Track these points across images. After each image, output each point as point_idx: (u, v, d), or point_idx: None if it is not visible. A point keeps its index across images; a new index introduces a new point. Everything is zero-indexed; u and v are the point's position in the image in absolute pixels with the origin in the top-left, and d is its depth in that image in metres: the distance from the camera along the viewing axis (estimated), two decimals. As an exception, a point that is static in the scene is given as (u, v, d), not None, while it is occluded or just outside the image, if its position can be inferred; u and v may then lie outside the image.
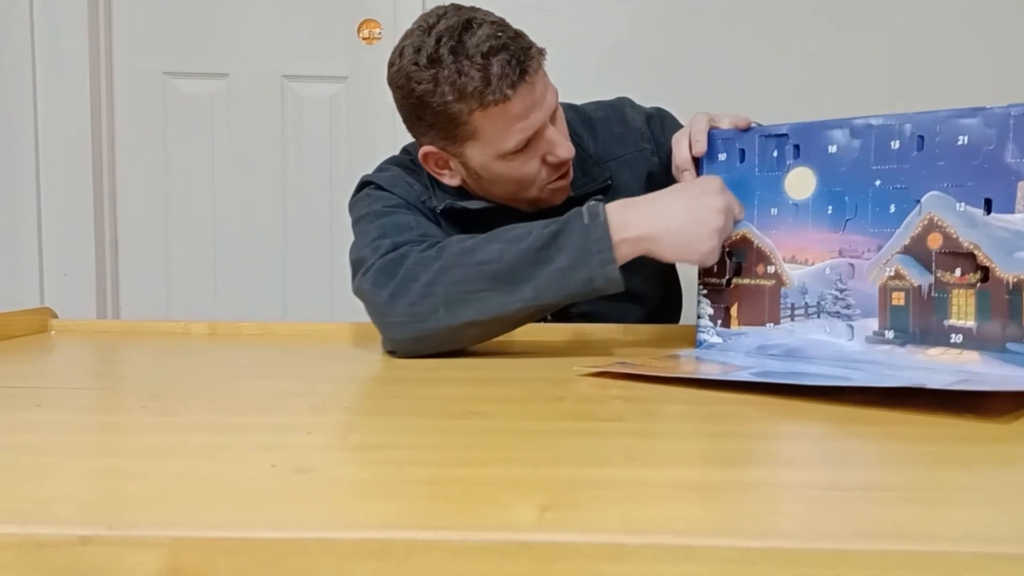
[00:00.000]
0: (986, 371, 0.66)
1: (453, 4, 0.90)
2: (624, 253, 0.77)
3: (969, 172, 0.68)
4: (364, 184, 0.99)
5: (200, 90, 1.85)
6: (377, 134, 1.79)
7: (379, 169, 1.03)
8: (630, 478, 0.40)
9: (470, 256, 0.78)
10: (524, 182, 0.93)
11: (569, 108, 1.03)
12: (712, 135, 0.84)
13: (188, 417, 0.56)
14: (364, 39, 1.81)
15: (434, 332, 0.79)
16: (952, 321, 0.69)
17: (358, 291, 0.85)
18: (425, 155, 0.95)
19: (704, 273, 0.85)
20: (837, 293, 0.76)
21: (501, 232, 0.80)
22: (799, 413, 0.56)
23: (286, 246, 1.88)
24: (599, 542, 0.30)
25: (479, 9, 0.88)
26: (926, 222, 0.70)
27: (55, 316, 1.05)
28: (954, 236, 0.68)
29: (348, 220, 0.97)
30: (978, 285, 0.67)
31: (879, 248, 0.73)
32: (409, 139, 1.07)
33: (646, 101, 1.12)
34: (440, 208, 0.96)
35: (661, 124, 1.05)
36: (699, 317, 0.85)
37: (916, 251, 0.71)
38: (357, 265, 0.87)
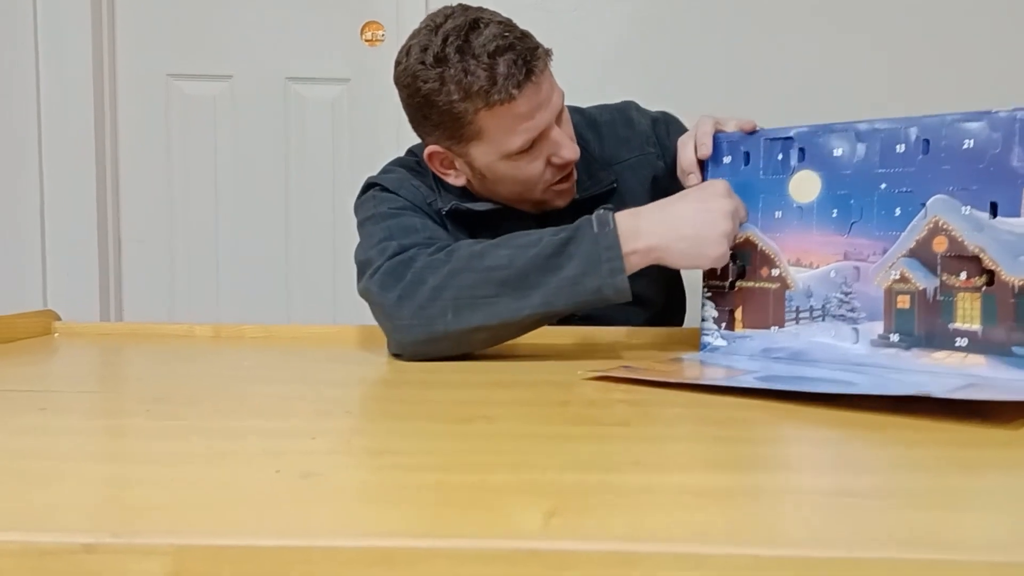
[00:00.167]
0: (992, 375, 0.65)
1: (460, 4, 0.90)
2: (633, 263, 0.77)
3: (975, 176, 0.67)
4: (369, 186, 0.99)
5: (203, 92, 1.85)
6: (380, 136, 1.78)
7: (384, 171, 1.03)
8: (636, 483, 0.40)
9: (479, 261, 0.78)
10: (529, 183, 0.93)
11: (575, 111, 1.03)
12: (717, 138, 0.84)
13: (192, 421, 0.56)
14: (367, 41, 1.81)
15: (442, 336, 0.79)
16: (958, 325, 0.68)
17: (365, 292, 0.85)
18: (430, 155, 0.95)
19: (708, 276, 0.85)
20: (842, 296, 0.75)
21: (510, 238, 0.80)
22: (805, 417, 0.55)
23: (289, 247, 1.88)
24: (607, 550, 0.30)
25: (486, 9, 0.89)
26: (931, 225, 0.70)
27: (58, 318, 1.05)
28: (960, 239, 0.68)
29: (351, 221, 0.97)
30: (984, 289, 0.67)
31: (884, 251, 0.73)
32: (413, 141, 1.07)
33: (648, 102, 1.12)
34: (446, 210, 0.96)
35: (667, 128, 1.05)
36: (703, 320, 0.85)
37: (921, 254, 0.70)
38: (363, 267, 0.87)
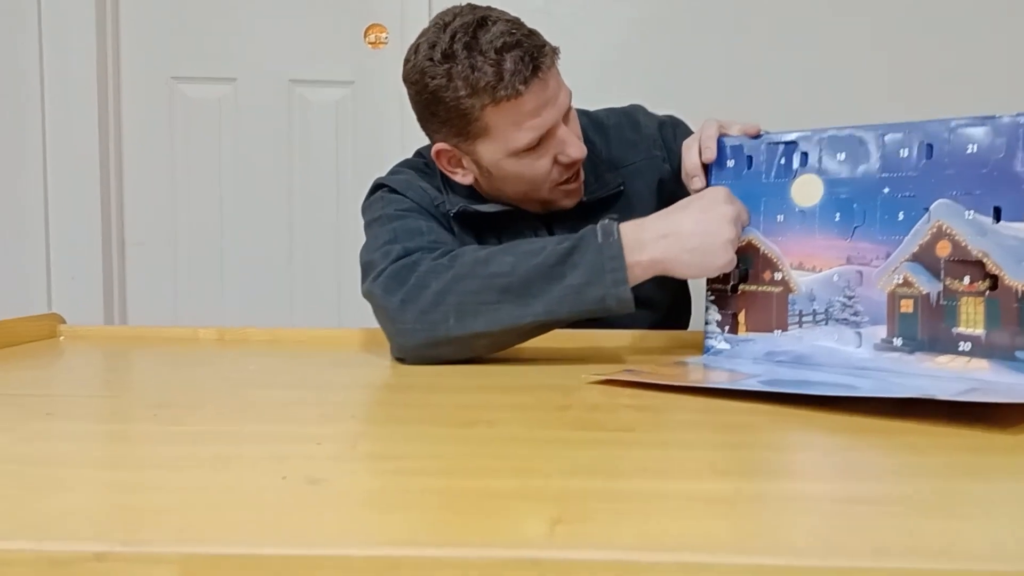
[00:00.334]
0: (995, 379, 0.66)
1: (469, 4, 0.91)
2: (636, 274, 0.77)
3: (978, 180, 0.67)
4: (377, 187, 0.99)
5: (207, 95, 1.86)
6: (384, 138, 1.79)
7: (392, 172, 1.03)
8: (641, 490, 0.40)
9: (483, 267, 0.79)
10: (535, 182, 0.93)
11: (582, 114, 1.03)
12: (721, 142, 0.84)
13: (198, 426, 0.56)
14: (370, 44, 1.82)
15: (444, 340, 0.79)
16: (961, 329, 0.68)
17: (368, 295, 0.85)
18: (438, 153, 0.95)
19: (711, 279, 0.85)
20: (845, 300, 0.75)
21: (515, 245, 0.80)
22: (809, 422, 0.56)
23: (293, 250, 1.88)
24: (613, 559, 0.30)
25: (494, 8, 0.90)
26: (935, 230, 0.70)
27: (63, 322, 1.05)
28: (963, 244, 0.68)
29: (355, 224, 0.98)
30: (987, 293, 0.67)
31: (887, 255, 0.73)
32: (416, 143, 1.08)
33: (650, 104, 1.12)
34: (453, 212, 0.96)
35: (673, 131, 1.05)
36: (707, 323, 0.85)
37: (925, 259, 0.71)
38: (367, 268, 0.87)
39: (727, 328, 0.84)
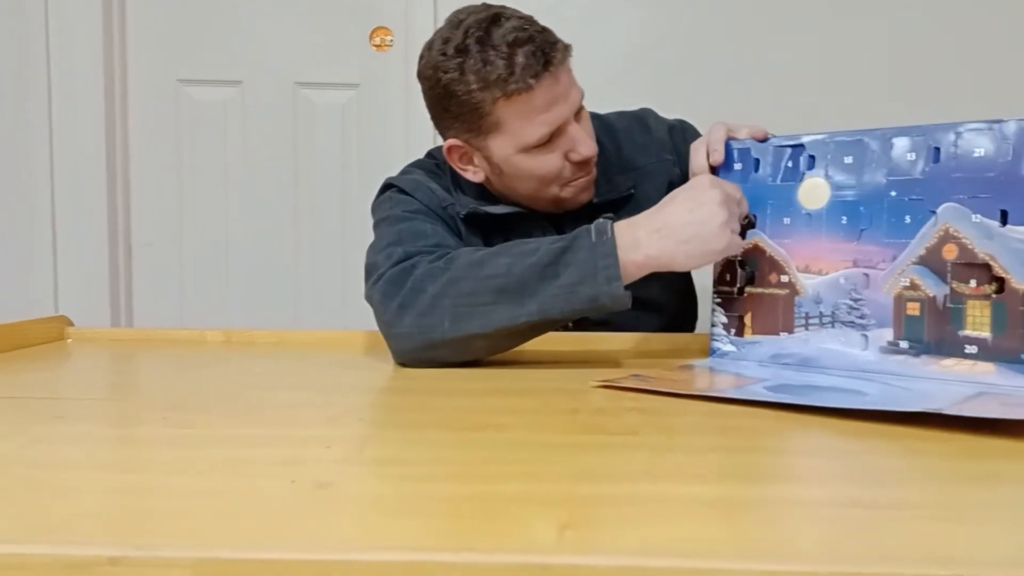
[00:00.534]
0: (1001, 382, 0.66)
1: (484, 3, 0.92)
2: (631, 272, 0.77)
3: (985, 184, 0.67)
4: (387, 187, 1.00)
5: (213, 97, 1.86)
6: (389, 141, 1.79)
7: (403, 172, 1.04)
8: (648, 495, 0.41)
9: (478, 269, 0.79)
10: (546, 179, 0.93)
11: (593, 117, 1.04)
12: (728, 145, 0.84)
13: (207, 430, 0.56)
14: (376, 46, 1.82)
15: (440, 343, 0.79)
16: (967, 332, 0.68)
17: (368, 299, 0.86)
18: (449, 149, 0.96)
19: (717, 282, 0.85)
20: (851, 303, 0.76)
21: (510, 246, 0.81)
22: (814, 427, 0.56)
23: (298, 252, 1.88)
24: (622, 564, 0.31)
25: (508, 7, 0.91)
26: (942, 233, 0.70)
27: (71, 324, 1.06)
28: (970, 247, 0.68)
29: (360, 225, 0.99)
30: (993, 296, 0.67)
31: (894, 258, 0.73)
32: (421, 146, 1.08)
33: (658, 108, 1.12)
34: (463, 214, 0.97)
35: (684, 135, 1.06)
36: (713, 326, 0.86)
37: (931, 262, 0.71)
38: (370, 271, 0.88)
39: (733, 330, 0.84)
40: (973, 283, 0.68)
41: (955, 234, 0.69)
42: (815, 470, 0.48)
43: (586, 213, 0.99)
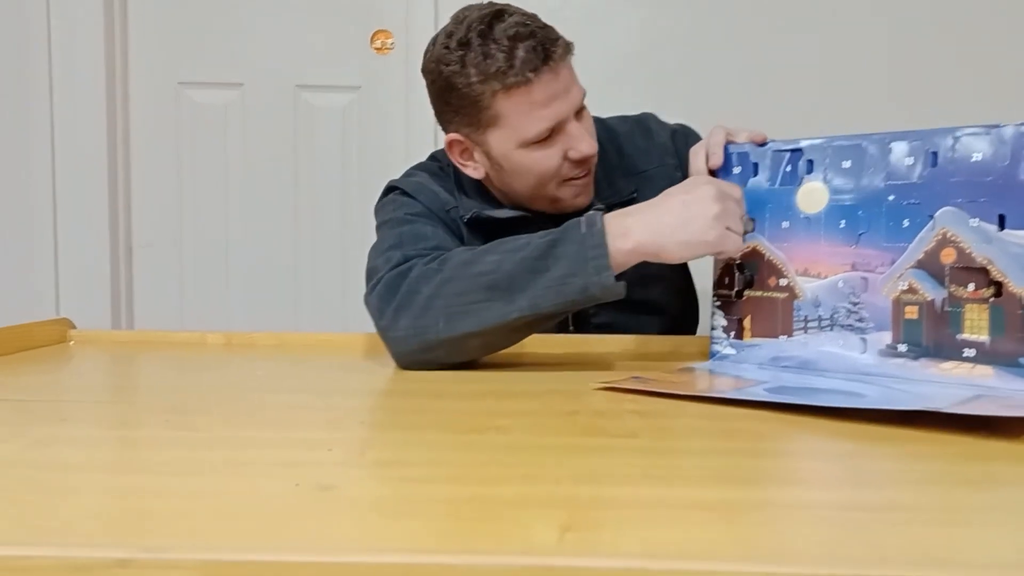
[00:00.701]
0: (999, 385, 0.66)
1: (489, 0, 0.93)
2: (621, 261, 0.76)
3: (983, 188, 0.68)
4: (390, 189, 1.01)
5: (214, 99, 1.87)
6: (389, 144, 1.80)
7: (407, 174, 1.05)
8: (648, 496, 0.41)
9: (469, 268, 0.79)
10: (544, 177, 0.94)
11: (595, 121, 1.04)
12: (727, 149, 0.85)
13: (210, 432, 0.57)
14: (377, 49, 1.82)
15: (435, 344, 0.79)
16: (965, 335, 0.69)
17: (367, 304, 0.86)
18: (450, 144, 0.97)
19: (716, 285, 0.86)
20: (850, 306, 0.76)
21: (501, 243, 0.81)
22: (814, 430, 0.56)
23: (299, 254, 1.89)
24: (622, 567, 0.31)
25: (512, 5, 0.92)
26: (940, 237, 0.70)
27: (73, 327, 1.06)
28: (968, 251, 0.69)
29: (360, 228, 0.99)
30: (991, 300, 0.67)
31: (892, 262, 0.73)
32: (422, 149, 1.08)
33: (659, 110, 1.13)
34: (467, 217, 0.97)
35: (685, 140, 1.06)
36: (713, 328, 0.86)
37: (929, 266, 0.71)
38: (370, 274, 0.88)
39: (733, 333, 0.84)
40: (971, 287, 0.69)
41: (953, 238, 0.70)
42: (815, 473, 0.48)
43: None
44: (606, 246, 0.75)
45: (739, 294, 0.84)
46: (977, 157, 0.68)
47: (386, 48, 1.82)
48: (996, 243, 0.67)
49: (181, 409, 0.64)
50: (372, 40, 1.82)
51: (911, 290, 0.72)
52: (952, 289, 0.70)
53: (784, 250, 0.80)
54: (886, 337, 0.73)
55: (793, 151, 0.80)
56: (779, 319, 0.81)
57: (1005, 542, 0.35)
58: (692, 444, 0.55)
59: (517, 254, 0.78)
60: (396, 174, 1.06)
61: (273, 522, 0.37)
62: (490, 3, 0.92)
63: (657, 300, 0.98)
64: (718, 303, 0.85)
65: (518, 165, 0.93)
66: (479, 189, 1.01)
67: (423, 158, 1.10)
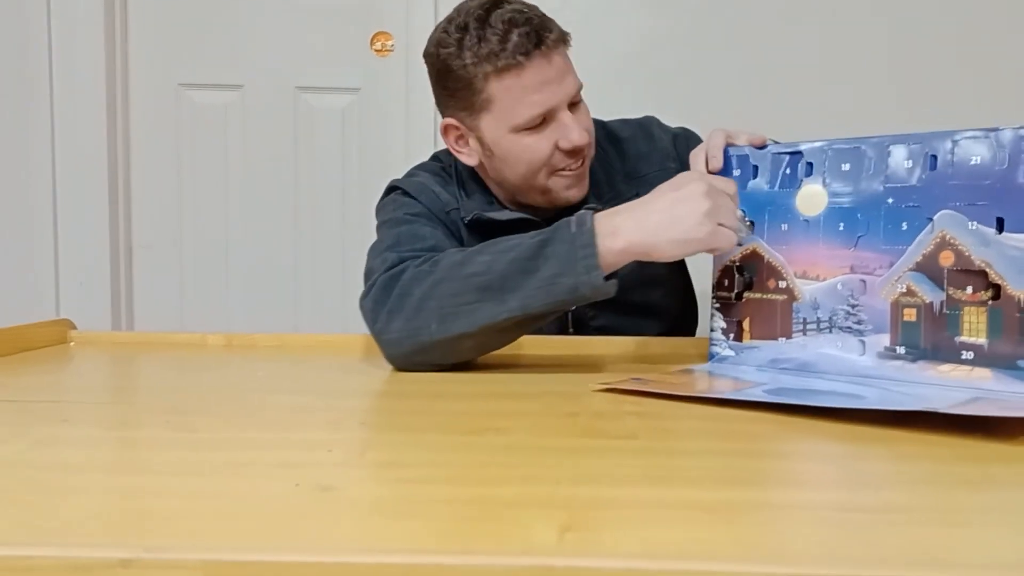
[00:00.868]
0: (997, 388, 0.66)
1: None
2: (611, 261, 0.76)
3: (981, 192, 0.68)
4: (391, 189, 1.01)
5: (214, 101, 1.87)
6: (389, 145, 1.80)
7: (408, 174, 1.05)
8: (647, 498, 0.41)
9: (461, 269, 0.79)
10: (534, 164, 0.94)
11: (597, 124, 1.04)
12: (727, 152, 0.85)
13: (210, 433, 0.57)
14: (377, 51, 1.83)
15: (429, 345, 0.79)
16: (964, 338, 0.69)
17: (362, 309, 0.86)
18: (446, 128, 0.98)
19: (716, 287, 0.86)
20: (849, 308, 0.76)
21: (493, 243, 0.81)
22: (813, 431, 0.56)
23: (298, 255, 1.89)
24: (622, 567, 0.31)
25: None
26: (938, 240, 0.71)
27: (74, 327, 1.06)
28: (966, 254, 0.69)
29: (360, 228, 1.00)
30: (990, 303, 0.68)
31: (891, 265, 0.73)
32: (421, 151, 1.09)
33: (659, 109, 1.13)
34: (467, 219, 0.97)
35: (687, 144, 1.06)
36: (712, 330, 0.86)
37: (928, 268, 0.71)
38: (367, 275, 0.88)
39: (732, 335, 0.84)
40: (969, 289, 0.69)
41: (951, 241, 0.70)
42: (814, 474, 0.48)
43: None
44: (595, 245, 0.75)
45: (738, 296, 0.84)
46: (976, 160, 0.69)
47: (386, 50, 1.82)
48: (994, 246, 0.67)
49: (181, 410, 0.64)
50: (372, 42, 1.83)
51: (910, 292, 0.72)
52: (950, 292, 0.70)
53: (783, 252, 0.81)
54: (884, 339, 0.73)
55: (792, 154, 0.81)
56: (778, 321, 0.81)
57: (1003, 543, 0.35)
58: (691, 445, 0.55)
59: (508, 254, 0.78)
60: (396, 176, 1.06)
61: (273, 522, 0.37)
62: None
63: (657, 303, 0.98)
64: (717, 305, 0.86)
65: (508, 152, 0.94)
66: (480, 189, 1.01)
67: (426, 158, 1.10)
